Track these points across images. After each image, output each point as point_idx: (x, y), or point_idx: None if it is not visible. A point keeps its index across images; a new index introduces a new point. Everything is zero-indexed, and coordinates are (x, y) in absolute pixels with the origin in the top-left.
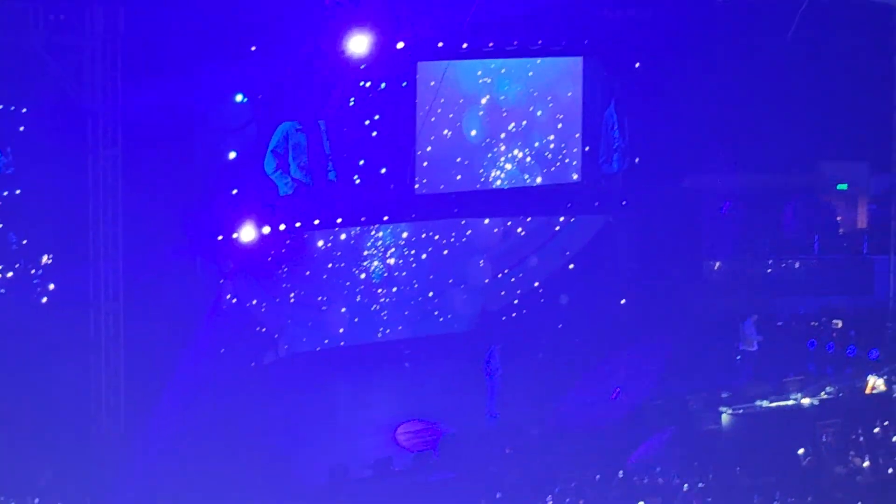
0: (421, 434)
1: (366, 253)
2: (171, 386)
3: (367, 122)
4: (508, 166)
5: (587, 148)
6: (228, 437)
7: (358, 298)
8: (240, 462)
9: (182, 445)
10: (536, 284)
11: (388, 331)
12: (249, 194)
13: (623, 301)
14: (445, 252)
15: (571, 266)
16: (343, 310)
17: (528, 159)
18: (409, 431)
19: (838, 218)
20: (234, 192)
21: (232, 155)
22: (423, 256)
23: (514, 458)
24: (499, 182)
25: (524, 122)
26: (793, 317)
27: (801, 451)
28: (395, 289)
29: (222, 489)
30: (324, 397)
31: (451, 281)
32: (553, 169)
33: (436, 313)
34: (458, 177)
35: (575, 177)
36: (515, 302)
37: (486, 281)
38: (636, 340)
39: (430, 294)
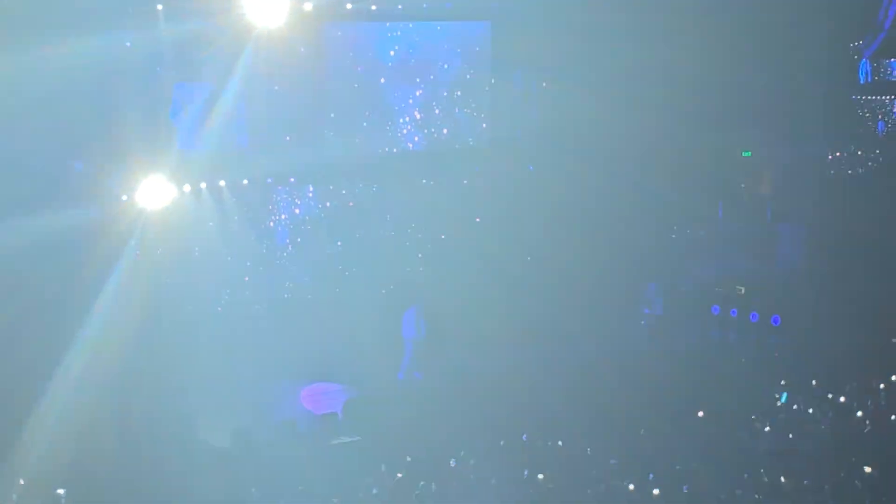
0: (326, 396)
1: (271, 208)
2: (73, 342)
3: (276, 88)
4: (418, 116)
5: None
6: (129, 400)
7: (264, 252)
8: (141, 425)
9: (79, 409)
10: (443, 237)
11: (293, 289)
12: (155, 152)
13: (529, 258)
14: (354, 208)
15: (478, 220)
16: (248, 265)
17: (439, 117)
18: (314, 393)
19: (742, 185)
20: (140, 150)
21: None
22: (332, 213)
23: (419, 421)
24: (409, 144)
25: (432, 77)
26: (697, 283)
27: (700, 413)
28: (301, 246)
29: (122, 454)
30: (226, 358)
31: (359, 236)
32: (462, 128)
33: (342, 268)
34: (368, 135)
35: (482, 139)
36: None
37: (398, 237)
38: (546, 306)
39: (339, 251)
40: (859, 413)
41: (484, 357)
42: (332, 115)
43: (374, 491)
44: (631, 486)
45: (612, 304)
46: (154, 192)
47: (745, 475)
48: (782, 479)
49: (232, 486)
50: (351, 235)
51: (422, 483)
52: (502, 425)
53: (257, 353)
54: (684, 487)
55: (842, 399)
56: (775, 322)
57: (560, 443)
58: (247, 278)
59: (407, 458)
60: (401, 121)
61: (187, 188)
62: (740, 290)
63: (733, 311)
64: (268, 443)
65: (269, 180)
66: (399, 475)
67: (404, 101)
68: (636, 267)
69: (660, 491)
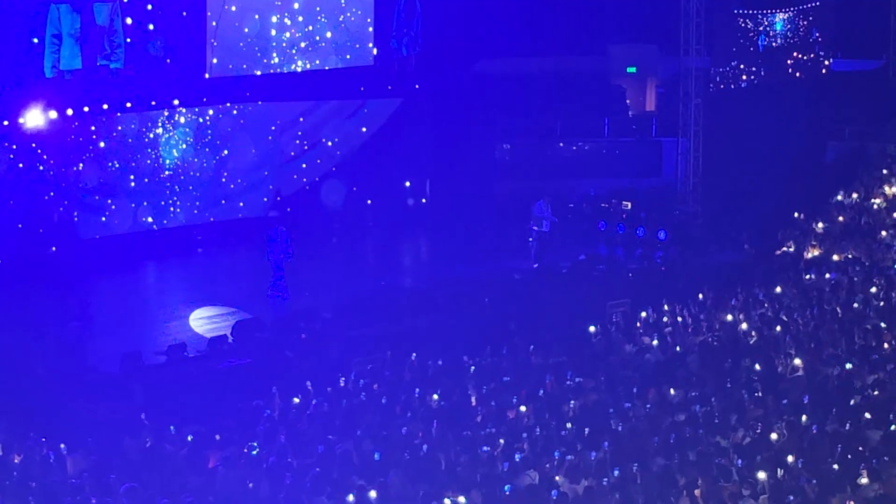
0: (215, 320)
1: (153, 137)
2: None
3: (150, 7)
4: (303, 45)
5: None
6: (19, 325)
7: (146, 181)
8: (31, 349)
9: None
10: (334, 169)
11: (180, 215)
12: (35, 79)
13: (407, 183)
14: (235, 135)
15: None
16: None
17: (322, 43)
18: (203, 317)
19: (627, 101)
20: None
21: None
22: (216, 141)
23: (308, 343)
24: (293, 66)
25: (318, 8)
26: (584, 198)
27: (591, 328)
28: (185, 175)
29: (12, 378)
30: (116, 284)
31: (242, 165)
32: (347, 55)
33: (224, 202)
34: (252, 61)
35: (369, 60)
36: (307, 187)
37: (280, 164)
38: (430, 225)
39: (223, 179)
40: (743, 325)
41: (370, 278)
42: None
43: (267, 412)
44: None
45: (499, 221)
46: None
47: (634, 390)
48: (671, 391)
49: (121, 411)
50: (236, 165)
51: (314, 402)
52: (392, 346)
53: (146, 277)
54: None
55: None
56: (661, 237)
57: (440, 362)
58: (133, 205)
59: (308, 383)
60: (280, 45)
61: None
62: (626, 206)
63: (620, 227)
64: (157, 366)
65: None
66: (296, 399)
67: (288, 29)
68: (523, 184)
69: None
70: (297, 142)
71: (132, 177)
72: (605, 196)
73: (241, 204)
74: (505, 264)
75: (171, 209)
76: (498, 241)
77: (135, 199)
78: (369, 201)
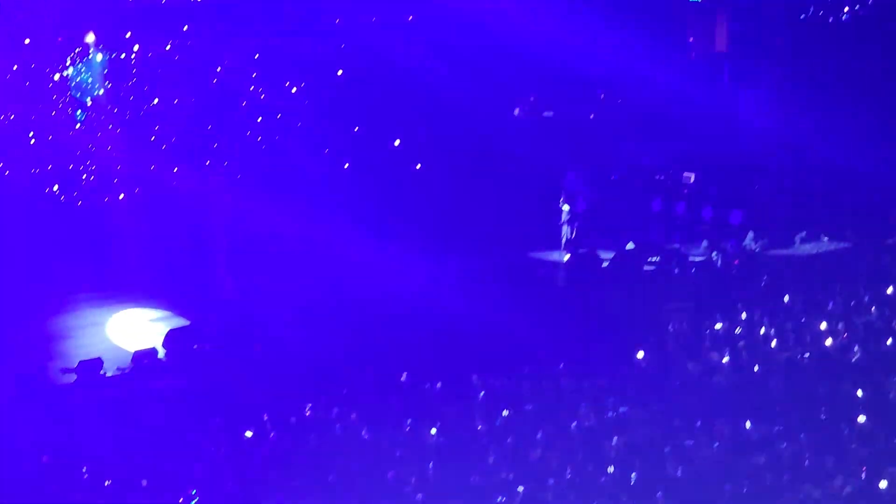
0: (140, 327)
1: None
2: None
3: None
4: None
5: None
6: None
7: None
8: None
9: None
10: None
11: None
12: None
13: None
14: None
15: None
16: None
17: None
18: (124, 324)
19: (690, 39)
20: None
21: None
22: None
23: (264, 358)
24: None
25: None
26: (631, 168)
27: (640, 354)
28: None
29: None
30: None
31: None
32: None
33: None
34: None
35: None
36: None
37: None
38: (425, 202)
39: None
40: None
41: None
42: None
43: (211, 451)
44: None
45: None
46: None
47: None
48: (747, 424)
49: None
50: None
51: (272, 436)
52: (376, 362)
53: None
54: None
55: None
56: (735, 220)
57: (439, 384)
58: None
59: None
60: None
61: None
62: (689, 178)
63: (680, 206)
64: (63, 390)
65: None
66: (248, 433)
67: None
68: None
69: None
70: None
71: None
72: (661, 165)
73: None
74: (526, 256)
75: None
76: (517, 225)
77: None
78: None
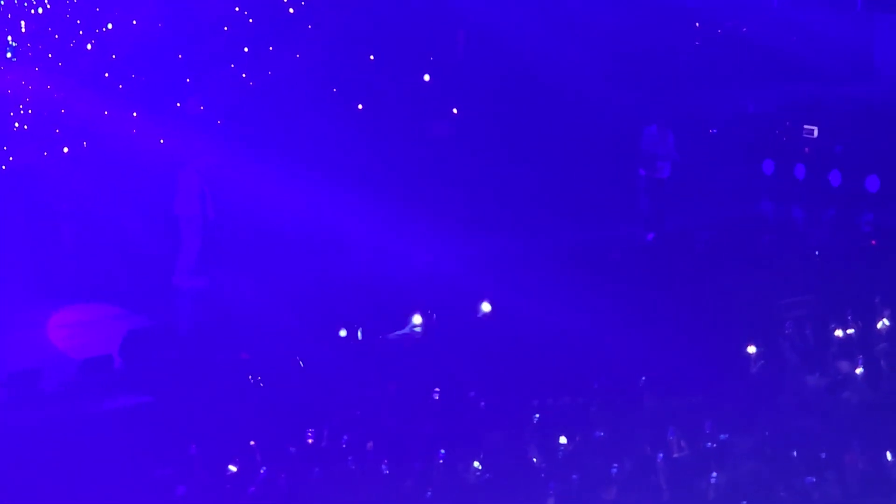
0: (91, 329)
1: None
2: None
3: None
4: None
5: None
6: None
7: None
8: None
9: None
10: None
11: None
12: None
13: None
14: None
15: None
16: None
17: None
18: (70, 324)
19: None
20: None
21: None
22: None
23: (252, 369)
24: None
25: None
26: (735, 119)
27: (750, 348)
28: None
29: None
30: None
31: None
32: None
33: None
34: None
35: None
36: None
37: None
38: (466, 168)
39: None
40: None
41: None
42: None
43: (181, 490)
44: None
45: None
46: None
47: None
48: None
49: None
50: None
51: (263, 471)
52: (399, 374)
53: None
54: None
55: None
56: (872, 186)
57: (483, 403)
58: None
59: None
60: None
61: None
62: (810, 132)
63: (799, 169)
64: None
65: None
66: (232, 468)
67: None
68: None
69: None
70: None
71: None
72: (774, 115)
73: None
74: (598, 233)
75: None
76: (582, 196)
77: None
78: None
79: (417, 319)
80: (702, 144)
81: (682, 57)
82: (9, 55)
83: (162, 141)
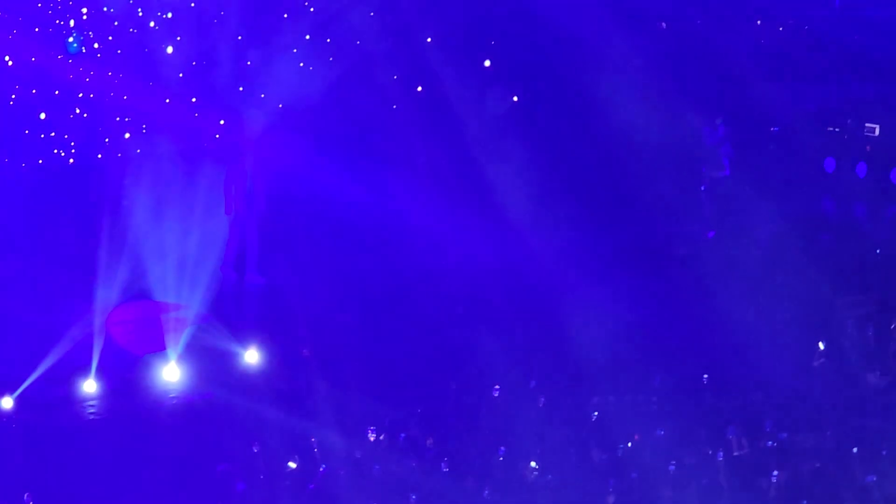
0: (152, 323)
1: None
2: None
3: None
4: None
5: None
6: None
7: None
8: None
9: None
10: None
11: None
12: None
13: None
14: None
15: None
16: None
17: None
18: (127, 319)
19: None
20: None
21: None
22: None
23: (313, 364)
24: None
25: None
26: (796, 116)
27: (821, 344)
28: None
29: None
30: None
31: None
32: None
33: None
34: None
35: None
36: None
37: None
38: (523, 158)
39: None
40: None
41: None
42: None
43: (241, 488)
44: None
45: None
46: None
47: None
48: None
49: None
50: None
51: (323, 469)
52: (458, 371)
53: None
54: None
55: None
56: None
57: (542, 399)
58: None
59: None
60: None
61: None
62: (872, 130)
63: (860, 167)
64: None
65: None
66: (291, 464)
67: None
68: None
69: None
70: None
71: None
72: (835, 113)
73: None
74: (659, 230)
75: None
76: (646, 191)
77: None
78: None
79: None
80: (763, 142)
81: (743, 54)
82: (72, 42)
83: (218, 136)
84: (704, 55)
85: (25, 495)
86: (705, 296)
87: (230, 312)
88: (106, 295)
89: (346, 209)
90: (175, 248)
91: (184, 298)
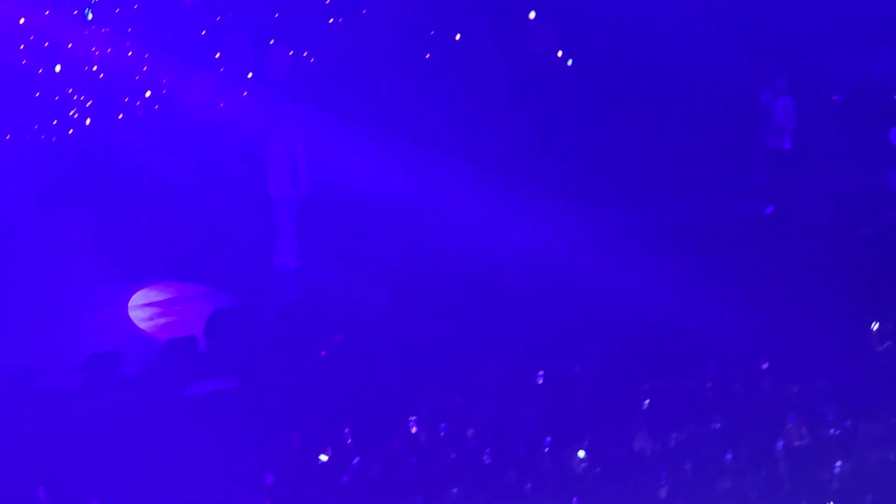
0: (170, 309)
1: None
2: None
3: None
4: None
5: None
6: None
7: None
8: None
9: None
10: None
11: None
12: None
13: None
14: None
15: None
16: None
17: None
18: (147, 304)
19: None
20: None
21: None
22: None
23: (346, 350)
24: None
25: None
26: (860, 84)
27: (875, 325)
28: None
29: None
30: None
31: None
32: None
33: None
34: None
35: None
36: None
37: None
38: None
39: None
40: None
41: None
42: None
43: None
44: None
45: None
46: None
47: None
48: None
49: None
50: None
51: (356, 461)
52: (501, 357)
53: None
54: None
55: None
56: None
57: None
58: None
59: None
60: None
61: None
62: None
63: None
64: (63, 395)
65: None
66: (323, 457)
67: None
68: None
69: None
70: None
71: None
72: None
73: None
74: (713, 208)
75: None
76: (699, 167)
77: None
78: None
79: None
80: (824, 112)
81: (802, 17)
82: (88, 15)
83: (251, 113)
84: (760, 20)
85: (40, 489)
86: (761, 276)
87: (259, 297)
88: (128, 277)
89: (377, 195)
90: (204, 227)
91: (211, 281)
